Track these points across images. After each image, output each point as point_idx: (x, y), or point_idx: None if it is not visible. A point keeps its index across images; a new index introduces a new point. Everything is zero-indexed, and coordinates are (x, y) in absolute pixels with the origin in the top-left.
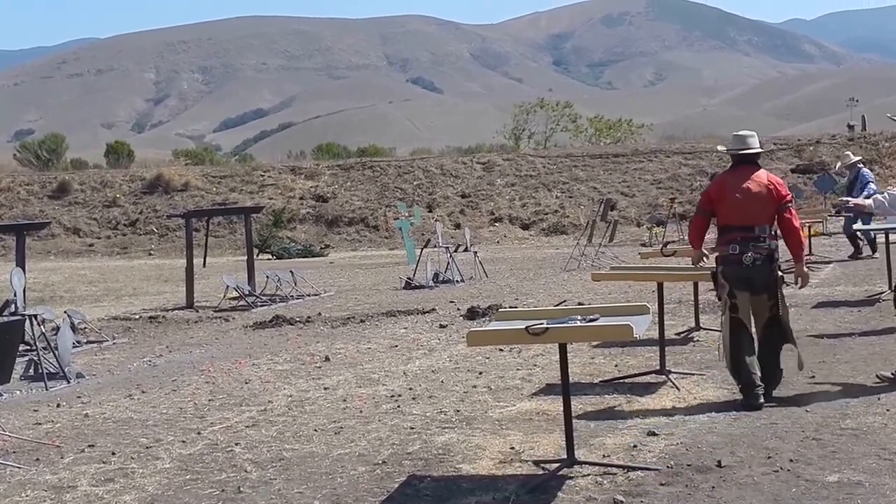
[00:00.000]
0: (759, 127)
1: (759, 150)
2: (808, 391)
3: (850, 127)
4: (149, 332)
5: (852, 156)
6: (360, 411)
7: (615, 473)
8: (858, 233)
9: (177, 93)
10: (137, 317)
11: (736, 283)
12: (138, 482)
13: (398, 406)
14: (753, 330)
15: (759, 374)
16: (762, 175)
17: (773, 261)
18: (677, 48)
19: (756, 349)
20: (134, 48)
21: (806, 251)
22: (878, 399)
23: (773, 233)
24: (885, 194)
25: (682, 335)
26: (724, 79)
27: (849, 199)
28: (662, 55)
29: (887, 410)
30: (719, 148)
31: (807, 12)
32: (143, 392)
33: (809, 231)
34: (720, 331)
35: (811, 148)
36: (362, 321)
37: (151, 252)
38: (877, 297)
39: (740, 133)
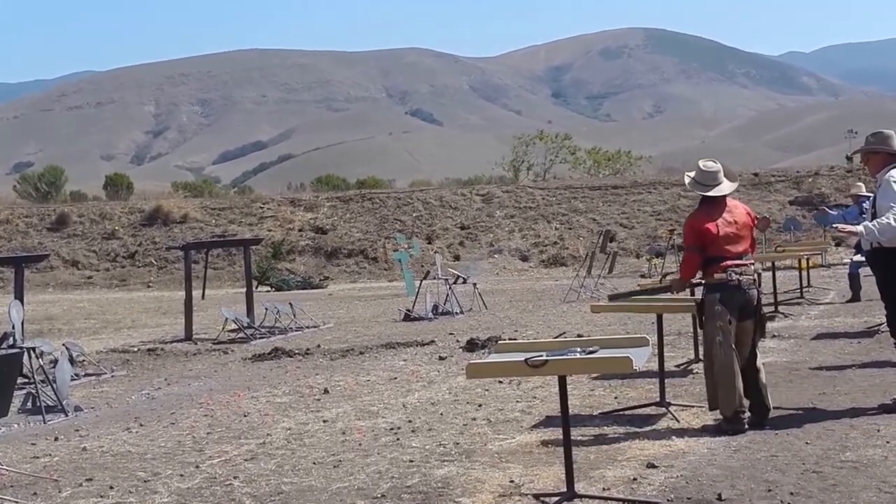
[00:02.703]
0: (757, 159)
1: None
2: (809, 423)
3: (849, 159)
4: (147, 364)
5: (864, 188)
6: (360, 444)
7: None
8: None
9: (176, 125)
10: (136, 349)
11: (732, 310)
12: None
13: (397, 439)
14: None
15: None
16: (739, 205)
17: (758, 285)
18: (676, 81)
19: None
20: (133, 81)
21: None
22: (879, 431)
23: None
24: (875, 222)
25: (682, 367)
26: (722, 111)
27: (843, 225)
28: (661, 88)
29: (887, 443)
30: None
31: (805, 45)
32: (142, 425)
33: (808, 263)
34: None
35: (810, 180)
36: (361, 353)
37: (150, 284)
38: (876, 328)
39: (709, 169)
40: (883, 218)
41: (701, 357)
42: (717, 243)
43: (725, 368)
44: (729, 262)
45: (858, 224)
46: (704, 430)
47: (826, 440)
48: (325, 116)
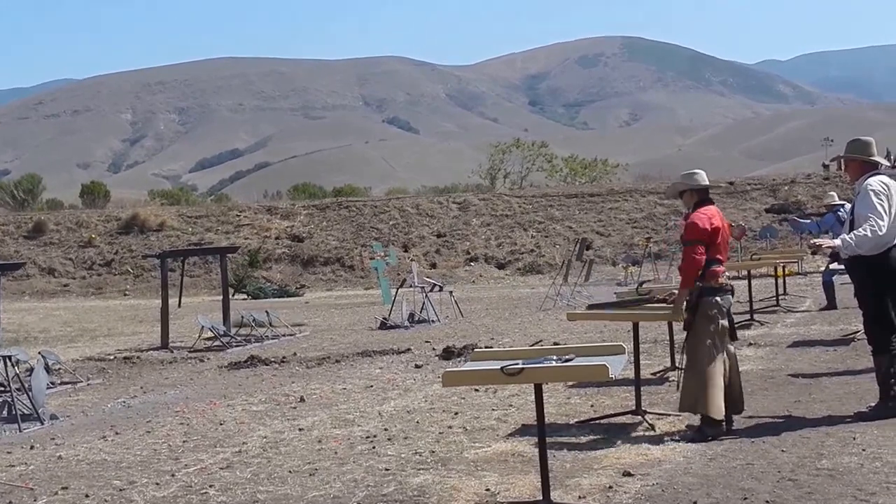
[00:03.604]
0: (733, 167)
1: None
2: (785, 431)
3: (826, 166)
4: (123, 372)
5: (837, 196)
6: (335, 452)
7: None
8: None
9: (153, 133)
10: (112, 357)
11: (725, 314)
12: None
13: (373, 447)
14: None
15: None
16: (719, 211)
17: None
18: (652, 89)
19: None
20: (110, 89)
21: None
22: (854, 439)
23: None
24: (853, 235)
25: (658, 375)
26: (698, 119)
27: (820, 241)
28: (637, 96)
29: (863, 450)
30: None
31: (781, 53)
32: (118, 433)
33: (784, 271)
34: (683, 362)
35: (786, 188)
36: (337, 361)
37: (127, 292)
38: (852, 336)
39: (696, 172)
40: (860, 230)
41: (678, 365)
42: (716, 245)
43: (716, 371)
44: (723, 268)
45: (835, 232)
46: (683, 437)
47: (802, 448)
48: (302, 124)
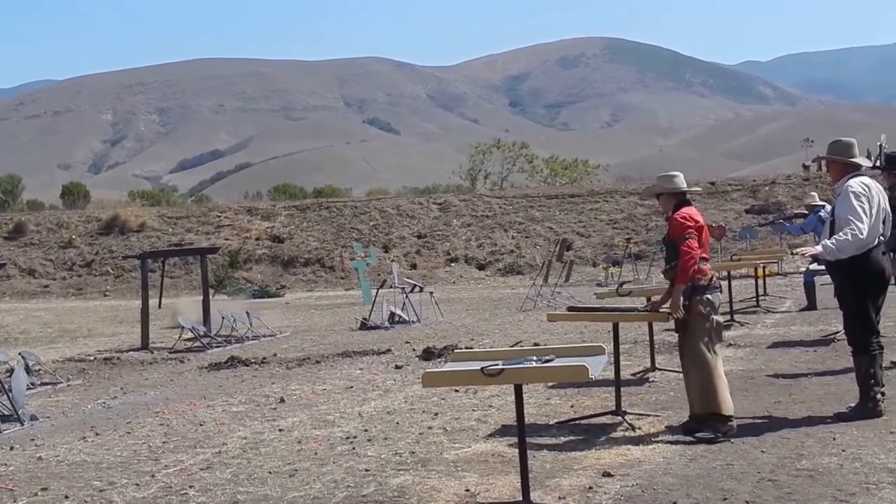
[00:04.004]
0: (714, 168)
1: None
2: (765, 432)
3: (806, 167)
4: (103, 373)
5: (817, 197)
6: (315, 453)
7: None
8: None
9: (133, 134)
10: (92, 358)
11: (717, 310)
12: None
13: (353, 448)
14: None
15: None
16: (698, 212)
17: None
18: (633, 90)
19: None
20: (91, 90)
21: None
22: (834, 440)
23: None
24: (833, 240)
25: (638, 376)
26: (679, 120)
27: (805, 249)
28: (618, 97)
29: (843, 451)
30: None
31: (762, 54)
32: (97, 434)
33: (764, 272)
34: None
35: (766, 188)
36: (318, 362)
37: (107, 293)
38: (832, 336)
39: (675, 175)
40: (840, 235)
41: (658, 366)
42: (702, 243)
43: (718, 367)
44: (709, 265)
45: (818, 233)
46: (696, 439)
47: (782, 448)
48: (283, 125)
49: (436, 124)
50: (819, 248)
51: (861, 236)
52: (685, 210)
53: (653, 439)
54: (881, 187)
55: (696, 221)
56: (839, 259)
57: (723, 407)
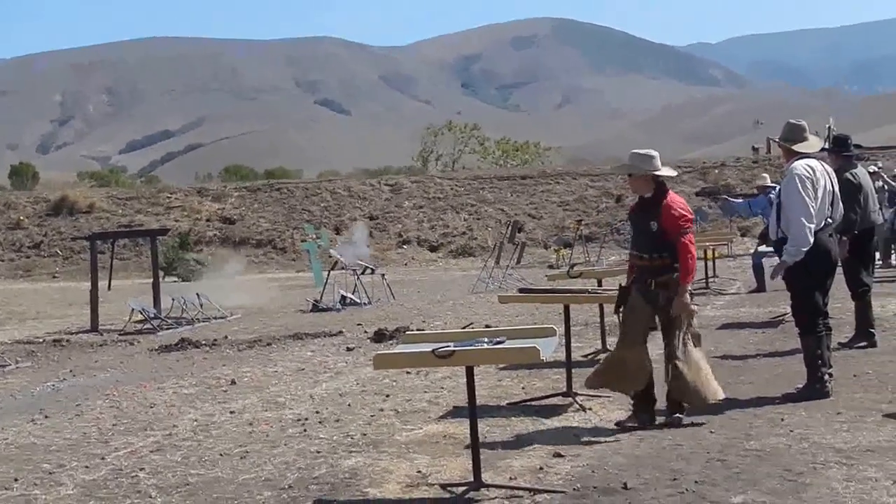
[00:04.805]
0: (665, 150)
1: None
2: (713, 413)
3: (755, 150)
4: (52, 355)
5: (769, 179)
6: (267, 435)
7: (521, 496)
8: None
9: (82, 114)
10: (41, 340)
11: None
12: None
13: (305, 430)
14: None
15: None
16: None
17: None
18: (584, 71)
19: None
20: (39, 69)
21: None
22: (782, 420)
23: None
24: (790, 246)
25: (589, 357)
26: (630, 102)
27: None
28: (570, 78)
29: (791, 431)
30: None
31: (711, 36)
32: (47, 417)
33: (714, 254)
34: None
35: (716, 171)
36: (269, 344)
37: (56, 275)
38: (780, 318)
39: (652, 154)
40: (792, 237)
41: (608, 347)
42: None
43: (704, 356)
44: None
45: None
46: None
47: (730, 429)
48: (234, 106)
49: (387, 105)
50: (785, 259)
51: (810, 225)
52: (676, 199)
53: (601, 420)
54: (828, 169)
55: (691, 213)
56: (786, 239)
57: (718, 395)
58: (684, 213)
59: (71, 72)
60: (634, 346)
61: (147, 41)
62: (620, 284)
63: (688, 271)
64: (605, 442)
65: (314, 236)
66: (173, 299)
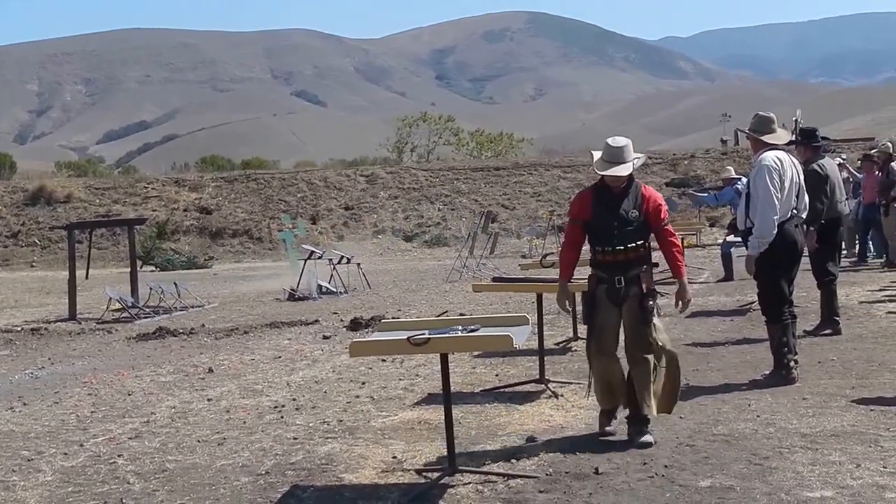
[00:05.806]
0: (635, 141)
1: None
2: (683, 399)
3: (724, 142)
4: (31, 344)
5: (733, 171)
6: (244, 422)
7: (495, 481)
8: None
9: (60, 104)
10: (19, 329)
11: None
12: (20, 495)
13: (281, 417)
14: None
15: None
16: None
17: None
18: (557, 64)
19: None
20: (16, 59)
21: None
22: (749, 406)
23: None
24: (755, 237)
25: (561, 345)
26: (601, 94)
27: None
28: (542, 70)
29: (758, 417)
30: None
31: (682, 30)
32: (25, 404)
33: (683, 243)
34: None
35: (686, 162)
36: (246, 332)
37: (34, 264)
38: (748, 306)
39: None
40: (757, 227)
41: (580, 335)
42: None
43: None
44: None
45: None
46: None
47: (699, 415)
48: (210, 97)
49: (363, 97)
50: (751, 252)
51: (775, 216)
52: (650, 188)
53: (573, 406)
54: (795, 161)
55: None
56: (753, 229)
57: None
58: (662, 202)
59: (48, 61)
60: (611, 358)
61: (124, 32)
62: (584, 292)
63: (682, 264)
64: (577, 428)
65: (291, 226)
66: (150, 288)
